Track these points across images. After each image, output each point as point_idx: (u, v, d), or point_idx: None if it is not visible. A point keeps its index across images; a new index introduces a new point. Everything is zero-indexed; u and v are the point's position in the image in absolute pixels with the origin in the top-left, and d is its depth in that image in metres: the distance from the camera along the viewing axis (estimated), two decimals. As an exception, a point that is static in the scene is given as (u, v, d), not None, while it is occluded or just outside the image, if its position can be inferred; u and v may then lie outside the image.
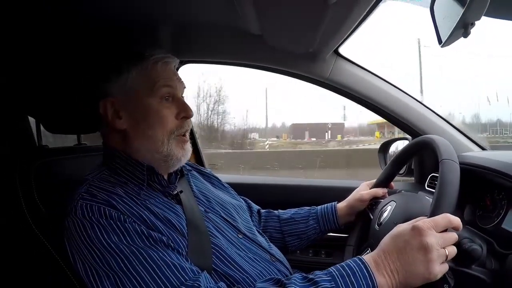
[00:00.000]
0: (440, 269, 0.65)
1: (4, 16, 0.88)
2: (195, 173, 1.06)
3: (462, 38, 0.57)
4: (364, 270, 0.65)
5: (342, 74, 1.24)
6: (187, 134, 0.88)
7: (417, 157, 1.40)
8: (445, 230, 0.68)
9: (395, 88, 1.28)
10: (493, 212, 0.92)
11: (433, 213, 0.71)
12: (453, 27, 0.55)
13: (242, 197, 1.19)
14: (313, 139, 17.16)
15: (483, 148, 1.30)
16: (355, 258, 0.68)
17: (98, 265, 0.66)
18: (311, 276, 0.67)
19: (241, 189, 1.25)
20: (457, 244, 0.72)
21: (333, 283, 0.64)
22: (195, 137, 1.62)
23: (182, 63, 1.41)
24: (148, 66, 0.83)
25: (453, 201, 0.73)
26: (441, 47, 0.63)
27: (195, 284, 0.65)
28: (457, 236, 0.69)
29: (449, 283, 0.73)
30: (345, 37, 1.05)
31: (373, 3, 0.81)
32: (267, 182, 1.56)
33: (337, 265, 0.68)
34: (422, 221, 0.67)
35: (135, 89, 0.82)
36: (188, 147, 0.88)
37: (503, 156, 0.99)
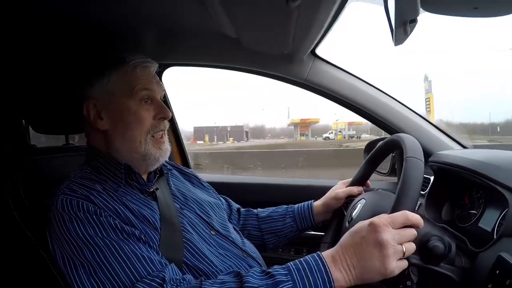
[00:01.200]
0: (397, 265, 0.66)
1: None
2: (175, 172, 1.09)
3: (405, 36, 0.59)
4: (321, 265, 0.67)
5: (320, 75, 1.26)
6: (164, 136, 0.92)
7: (399, 157, 1.42)
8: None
9: (374, 88, 1.30)
10: (471, 210, 0.94)
11: (393, 210, 0.72)
12: (394, 26, 0.57)
13: (223, 196, 1.22)
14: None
15: (464, 147, 1.31)
16: (314, 253, 0.70)
17: (74, 256, 0.70)
18: (269, 270, 0.69)
19: (223, 188, 1.28)
20: (423, 241, 0.74)
21: (289, 277, 0.66)
22: (181, 138, 1.64)
23: (166, 66, 1.44)
24: (128, 70, 0.87)
25: (414, 199, 0.73)
26: (395, 45, 0.65)
27: (160, 275, 0.69)
28: (415, 233, 0.70)
29: (411, 279, 0.75)
30: (319, 38, 1.07)
31: (338, 4, 0.83)
32: (250, 182, 1.59)
33: (297, 260, 0.70)
34: (379, 218, 0.68)
35: (116, 92, 0.86)
36: (166, 147, 0.92)
37: (479, 154, 0.99)
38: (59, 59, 1.09)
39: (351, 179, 1.16)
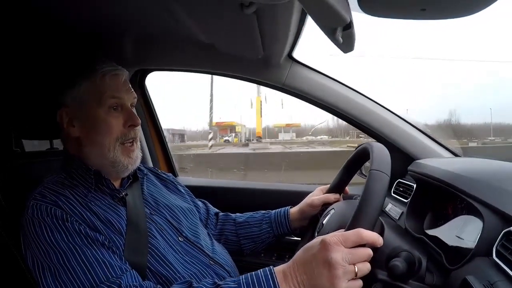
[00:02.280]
0: (347, 286, 0.63)
1: None
2: (151, 176, 1.09)
3: (349, 42, 0.56)
4: (270, 281, 0.65)
5: (299, 79, 1.23)
6: (135, 143, 0.92)
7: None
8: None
9: (356, 93, 1.26)
10: (453, 220, 0.87)
11: (349, 227, 0.68)
12: (326, 34, 0.54)
13: (202, 200, 1.22)
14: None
15: (455, 154, 1.26)
16: (266, 268, 0.68)
17: (42, 258, 0.73)
18: (219, 282, 0.69)
19: (204, 192, 1.29)
20: (391, 257, 0.71)
21: None
22: (165, 143, 1.64)
23: (147, 71, 1.45)
24: (97, 78, 0.88)
25: (371, 216, 0.69)
26: (344, 53, 0.62)
27: (117, 281, 0.71)
28: (370, 253, 0.66)
29: None
30: (291, 43, 1.05)
31: (300, 11, 0.81)
32: (231, 186, 1.57)
33: (249, 273, 0.68)
34: (331, 235, 0.66)
35: (86, 100, 0.87)
36: (136, 155, 0.92)
37: (458, 165, 0.94)
38: (36, 68, 1.09)
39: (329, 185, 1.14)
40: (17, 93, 1.06)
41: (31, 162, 1.05)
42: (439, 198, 0.95)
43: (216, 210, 1.24)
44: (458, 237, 0.81)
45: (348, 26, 0.53)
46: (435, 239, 0.86)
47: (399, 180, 1.27)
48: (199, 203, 1.19)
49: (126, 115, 0.90)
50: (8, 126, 1.08)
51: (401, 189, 1.23)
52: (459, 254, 0.73)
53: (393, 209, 1.19)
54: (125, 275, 0.73)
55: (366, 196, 0.70)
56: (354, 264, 0.64)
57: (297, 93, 1.26)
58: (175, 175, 1.67)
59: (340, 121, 1.31)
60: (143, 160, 1.49)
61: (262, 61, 1.18)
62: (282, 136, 26.63)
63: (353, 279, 0.64)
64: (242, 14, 0.74)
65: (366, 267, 0.65)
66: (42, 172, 0.94)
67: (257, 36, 0.91)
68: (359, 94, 1.26)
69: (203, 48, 1.19)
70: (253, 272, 0.68)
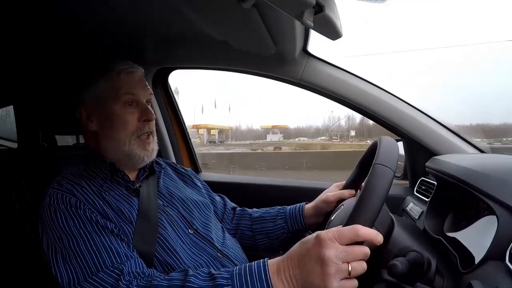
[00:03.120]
0: (339, 285, 0.60)
1: None
2: (169, 170, 1.14)
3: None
4: (262, 273, 0.65)
5: (315, 74, 1.21)
6: (151, 136, 0.97)
7: (410, 160, 1.31)
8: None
9: (375, 87, 1.21)
10: (475, 222, 0.81)
11: (346, 223, 0.65)
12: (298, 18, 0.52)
13: (220, 194, 1.25)
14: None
15: (481, 151, 1.17)
16: (260, 260, 0.68)
17: (56, 242, 0.79)
18: (213, 272, 0.69)
19: (223, 187, 1.32)
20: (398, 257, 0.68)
21: (229, 281, 0.66)
22: (189, 140, 1.68)
23: (169, 70, 1.50)
24: (113, 76, 0.93)
25: (372, 212, 0.65)
26: (333, 40, 0.60)
27: (120, 267, 0.75)
28: (367, 251, 0.63)
29: None
30: (303, 37, 1.04)
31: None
32: (250, 182, 1.57)
33: (243, 265, 0.69)
34: (326, 231, 0.63)
35: (103, 96, 0.93)
36: (153, 147, 0.97)
37: (475, 161, 0.88)
38: (60, 67, 1.18)
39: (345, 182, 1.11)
40: (43, 93, 1.16)
41: (57, 155, 1.13)
42: (461, 197, 0.89)
43: (234, 205, 1.25)
44: (477, 240, 0.76)
45: (320, 10, 0.51)
46: (454, 241, 0.81)
47: (422, 178, 1.20)
48: (217, 197, 1.21)
49: (141, 110, 0.94)
50: (36, 122, 1.18)
51: (424, 187, 1.17)
52: (474, 258, 0.68)
53: (414, 208, 1.13)
54: (129, 261, 0.77)
55: (366, 191, 0.67)
56: (348, 263, 0.61)
57: (315, 89, 1.23)
58: (198, 171, 1.71)
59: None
60: (167, 157, 1.55)
61: (276, 57, 1.17)
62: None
63: (347, 278, 0.61)
64: (243, 9, 0.74)
65: (361, 267, 0.62)
66: (65, 164, 1.02)
67: (264, 31, 0.91)
68: (378, 88, 1.21)
69: (219, 46, 1.22)
70: (247, 264, 0.68)
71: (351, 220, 0.65)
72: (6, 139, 1.49)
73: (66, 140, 1.36)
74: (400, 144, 1.31)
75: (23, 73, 1.23)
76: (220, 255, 0.95)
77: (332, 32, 0.59)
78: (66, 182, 0.85)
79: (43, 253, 0.82)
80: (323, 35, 0.59)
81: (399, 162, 1.38)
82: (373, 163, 0.72)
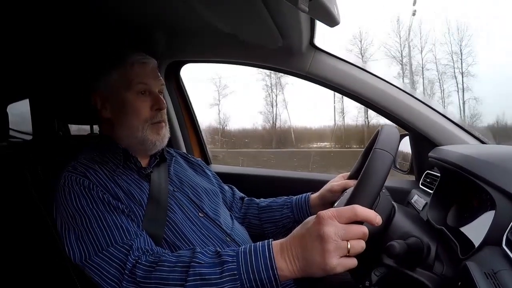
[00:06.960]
0: (339, 262, 0.63)
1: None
2: (180, 159, 1.18)
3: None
4: (266, 252, 0.68)
5: (322, 67, 1.23)
6: (163, 122, 1.02)
7: (416, 153, 1.32)
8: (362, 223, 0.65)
9: (381, 80, 1.22)
10: (478, 214, 0.83)
11: (347, 203, 0.68)
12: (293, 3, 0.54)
13: (229, 185, 1.29)
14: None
15: (483, 142, 1.17)
16: (265, 240, 0.71)
17: (69, 221, 0.84)
18: (219, 250, 0.73)
19: (232, 178, 1.36)
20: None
21: (234, 258, 0.69)
22: (200, 132, 1.72)
23: (181, 63, 1.55)
24: (127, 66, 0.99)
25: (370, 193, 0.68)
26: (331, 27, 0.62)
27: (129, 242, 0.79)
28: (365, 231, 0.65)
29: (370, 280, 0.71)
30: (309, 30, 1.06)
31: None
32: (259, 173, 1.61)
33: (249, 244, 0.72)
34: (326, 210, 0.66)
35: (116, 85, 0.98)
36: (164, 132, 1.02)
37: (477, 150, 0.89)
38: (75, 58, 1.24)
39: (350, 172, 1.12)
40: (59, 83, 1.21)
41: (71, 143, 1.19)
42: (464, 189, 0.90)
43: (242, 194, 1.29)
44: (479, 231, 0.77)
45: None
46: (455, 231, 0.82)
47: (428, 171, 1.21)
48: (226, 187, 1.25)
49: (153, 99, 0.99)
50: (52, 112, 1.24)
51: (428, 180, 1.17)
52: (475, 246, 0.69)
53: (419, 200, 1.14)
54: (138, 238, 0.81)
55: (365, 174, 0.70)
56: (347, 241, 0.64)
57: (322, 81, 1.25)
58: (208, 163, 1.75)
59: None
60: (178, 148, 1.59)
61: (284, 50, 1.19)
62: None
63: (346, 256, 0.64)
64: (249, 1, 0.77)
65: (360, 245, 0.65)
66: (80, 151, 1.07)
67: (271, 23, 0.94)
68: (384, 82, 1.22)
69: (228, 39, 1.23)
70: (252, 244, 0.71)
71: (350, 201, 0.69)
72: (20, 132, 1.55)
73: (79, 132, 1.42)
74: (407, 139, 1.32)
75: (39, 66, 1.29)
76: (228, 239, 0.98)
77: (328, 18, 0.62)
78: (80, 166, 0.90)
79: (56, 234, 0.87)
80: (320, 21, 0.61)
81: (406, 158, 1.39)
82: (373, 148, 0.74)
